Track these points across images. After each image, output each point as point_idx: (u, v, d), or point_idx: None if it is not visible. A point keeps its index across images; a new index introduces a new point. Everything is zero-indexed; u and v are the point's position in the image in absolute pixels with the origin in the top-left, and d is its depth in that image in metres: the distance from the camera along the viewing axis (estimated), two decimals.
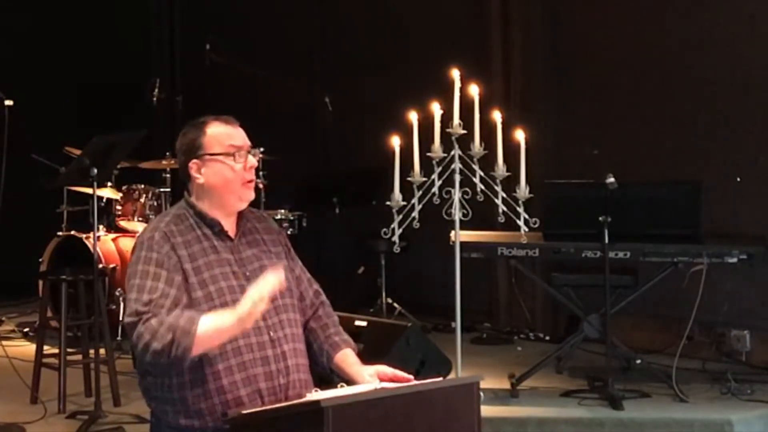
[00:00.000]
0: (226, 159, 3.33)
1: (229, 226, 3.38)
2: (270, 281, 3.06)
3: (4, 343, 6.58)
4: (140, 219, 7.44)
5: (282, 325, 3.31)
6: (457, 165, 4.82)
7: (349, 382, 3.33)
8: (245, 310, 3.05)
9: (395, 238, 4.80)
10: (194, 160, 3.35)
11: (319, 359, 3.48)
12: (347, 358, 3.44)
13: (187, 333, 3.07)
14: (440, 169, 4.83)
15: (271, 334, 3.27)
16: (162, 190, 7.52)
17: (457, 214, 4.83)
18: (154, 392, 3.27)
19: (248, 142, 3.40)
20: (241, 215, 3.42)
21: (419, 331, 5.81)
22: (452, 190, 4.81)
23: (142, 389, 3.34)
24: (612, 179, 5.55)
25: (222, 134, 3.36)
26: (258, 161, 7.61)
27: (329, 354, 3.45)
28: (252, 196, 3.40)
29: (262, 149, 7.66)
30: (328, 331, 3.49)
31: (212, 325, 3.10)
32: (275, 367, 3.25)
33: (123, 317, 3.25)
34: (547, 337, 7.39)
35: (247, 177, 3.35)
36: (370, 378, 3.27)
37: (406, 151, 4.79)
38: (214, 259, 3.29)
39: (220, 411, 3.17)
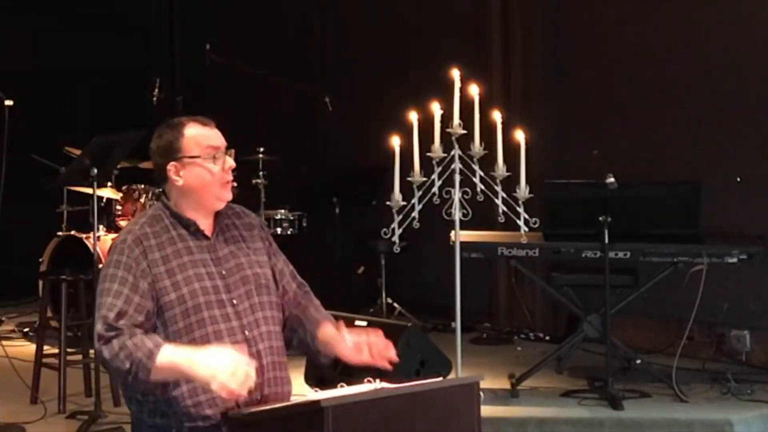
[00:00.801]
0: (205, 161, 3.32)
1: (206, 224, 3.37)
2: (244, 378, 3.02)
3: (4, 343, 6.58)
4: None
5: (257, 324, 3.31)
6: (457, 165, 4.82)
7: (338, 360, 3.36)
8: (202, 374, 3.03)
9: (395, 238, 4.80)
10: (173, 163, 3.33)
11: (305, 341, 3.45)
12: (326, 332, 3.42)
13: (144, 367, 3.10)
14: (440, 169, 4.83)
15: (246, 333, 3.27)
16: (162, 190, 7.52)
17: (457, 214, 4.83)
18: (131, 394, 3.29)
19: (225, 143, 3.40)
20: (218, 213, 3.41)
21: (419, 331, 5.81)
22: (452, 190, 4.81)
23: (121, 391, 3.35)
24: (612, 179, 5.55)
25: (200, 136, 3.35)
26: (258, 161, 7.70)
27: (312, 333, 3.43)
28: (230, 196, 3.40)
29: (262, 149, 7.68)
30: (309, 312, 3.48)
31: (170, 365, 3.10)
32: None
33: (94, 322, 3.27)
34: (547, 337, 7.38)
35: (225, 178, 3.36)
36: (349, 348, 3.31)
37: (406, 151, 4.79)
38: (188, 261, 3.28)
39: (194, 413, 3.17)
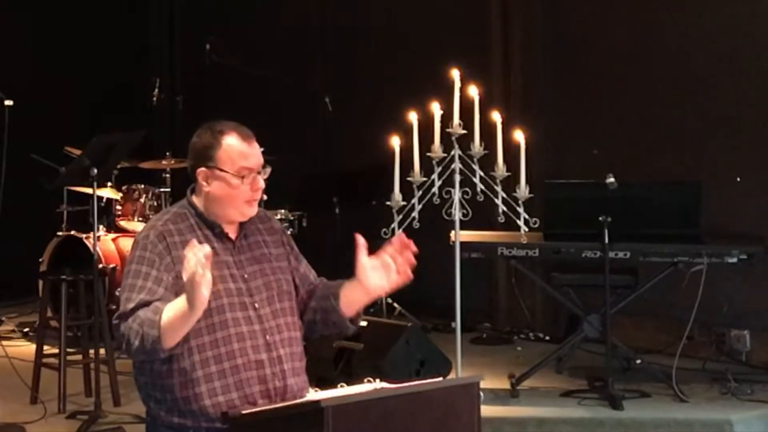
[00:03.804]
0: (233, 179, 3.29)
1: (231, 227, 3.37)
2: (198, 254, 2.96)
3: (4, 343, 6.59)
4: (140, 219, 7.44)
5: (279, 329, 3.30)
6: (457, 165, 4.83)
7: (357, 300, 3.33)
8: (188, 285, 2.98)
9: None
10: (203, 168, 3.32)
11: (335, 316, 3.39)
12: (344, 286, 3.38)
13: (152, 323, 3.08)
14: (440, 169, 4.83)
15: (267, 337, 3.27)
16: (162, 190, 7.52)
17: (457, 214, 4.84)
18: (149, 391, 3.29)
19: (261, 162, 3.36)
20: None
21: (419, 331, 5.82)
22: (452, 190, 4.81)
23: (138, 388, 3.35)
24: (612, 179, 5.55)
25: (236, 152, 3.30)
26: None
27: (334, 296, 3.37)
28: (253, 212, 3.38)
29: (262, 149, 7.67)
30: (322, 286, 3.46)
31: (172, 311, 3.08)
32: (270, 371, 3.24)
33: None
34: (547, 337, 7.38)
35: (252, 197, 3.34)
36: (372, 272, 3.26)
37: (406, 151, 4.79)
38: (212, 261, 3.28)
39: (212, 413, 3.17)
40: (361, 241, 3.30)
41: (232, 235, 3.36)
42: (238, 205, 3.33)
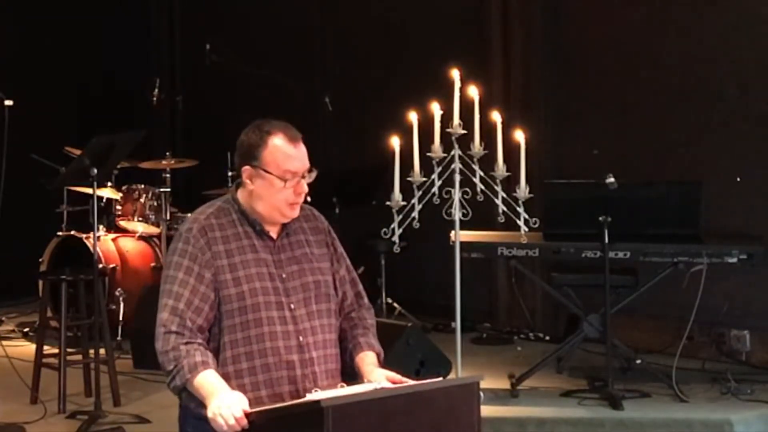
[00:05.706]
0: (277, 181, 3.29)
1: (272, 226, 3.37)
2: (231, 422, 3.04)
3: (4, 343, 6.58)
4: (140, 219, 7.44)
5: (314, 331, 3.31)
6: (457, 165, 4.82)
7: (363, 381, 3.33)
8: (215, 415, 3.05)
9: (395, 238, 4.80)
10: (248, 167, 3.32)
11: (344, 357, 3.46)
12: (366, 358, 3.41)
13: (183, 375, 3.16)
14: (440, 169, 4.83)
15: (300, 339, 3.27)
16: (162, 190, 7.52)
17: (457, 214, 4.83)
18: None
19: (306, 165, 3.34)
20: None
21: (419, 331, 5.82)
22: (452, 190, 4.81)
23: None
24: (612, 179, 5.55)
25: (282, 155, 3.29)
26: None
27: (351, 353, 3.43)
28: (295, 215, 3.38)
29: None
30: (355, 331, 3.47)
31: (201, 389, 3.15)
32: (300, 372, 3.25)
33: (159, 307, 3.29)
34: (547, 337, 7.38)
35: (295, 200, 3.34)
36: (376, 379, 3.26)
37: (406, 151, 4.79)
38: (251, 258, 3.29)
39: None
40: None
41: (274, 234, 3.37)
42: (280, 207, 3.33)
